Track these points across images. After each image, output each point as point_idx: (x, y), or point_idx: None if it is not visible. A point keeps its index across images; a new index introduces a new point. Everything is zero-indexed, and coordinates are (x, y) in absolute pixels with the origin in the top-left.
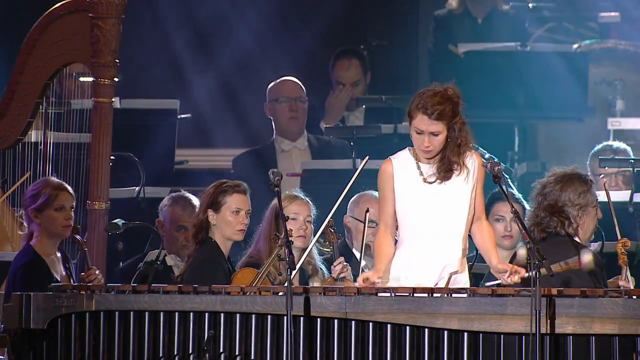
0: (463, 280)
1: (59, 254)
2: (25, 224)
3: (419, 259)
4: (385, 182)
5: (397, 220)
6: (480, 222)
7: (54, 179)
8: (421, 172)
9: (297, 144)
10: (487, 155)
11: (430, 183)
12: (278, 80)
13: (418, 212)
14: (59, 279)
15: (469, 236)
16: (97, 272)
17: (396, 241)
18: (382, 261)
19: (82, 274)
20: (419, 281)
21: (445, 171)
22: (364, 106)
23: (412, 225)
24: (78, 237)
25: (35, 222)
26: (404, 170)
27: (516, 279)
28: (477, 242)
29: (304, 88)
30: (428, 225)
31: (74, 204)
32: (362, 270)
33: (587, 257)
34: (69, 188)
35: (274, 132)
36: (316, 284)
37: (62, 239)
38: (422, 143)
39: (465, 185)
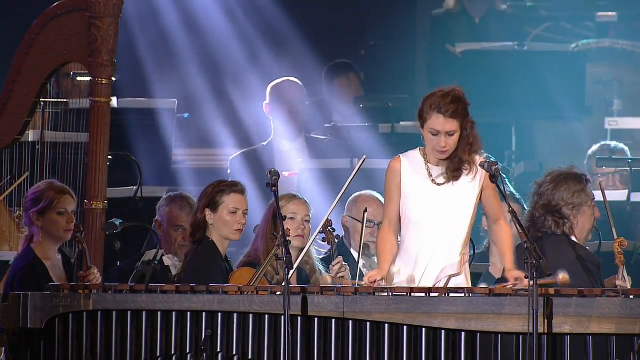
0: (461, 282)
1: (59, 256)
2: (24, 226)
3: (418, 259)
4: (392, 178)
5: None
6: (498, 224)
7: (56, 182)
8: (430, 173)
9: (296, 144)
10: (484, 155)
11: (439, 185)
12: (279, 81)
13: (424, 213)
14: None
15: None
16: (96, 271)
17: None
18: (386, 259)
19: (81, 272)
20: (416, 281)
21: (454, 170)
22: (361, 106)
23: (416, 226)
24: (79, 234)
25: (37, 225)
26: (412, 170)
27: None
28: (496, 244)
29: (304, 89)
30: (432, 227)
31: (75, 206)
32: (361, 270)
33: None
34: (71, 191)
35: (272, 132)
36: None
37: (63, 242)
38: (439, 144)
39: (472, 186)
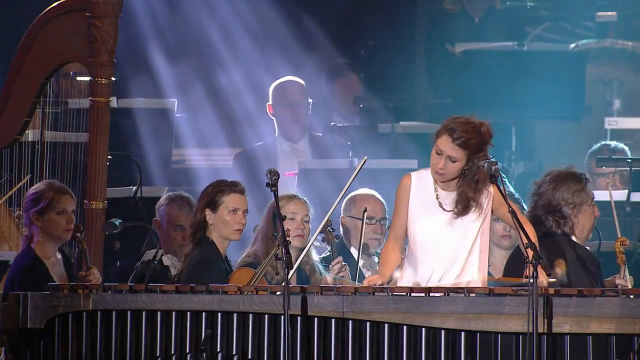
0: None
1: (59, 256)
2: (24, 226)
3: (422, 280)
4: (401, 196)
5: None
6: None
7: (56, 182)
8: (438, 195)
9: (298, 145)
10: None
11: (446, 210)
12: (281, 81)
13: (429, 236)
14: (58, 282)
15: None
16: (96, 271)
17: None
18: (388, 267)
19: (81, 272)
20: None
21: (463, 208)
22: (361, 106)
23: (420, 248)
24: (78, 234)
25: (37, 224)
26: (421, 190)
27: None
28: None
29: (306, 89)
30: (437, 250)
31: (75, 206)
32: (361, 269)
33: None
34: (71, 191)
35: (276, 131)
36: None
37: (63, 242)
38: (437, 164)
39: (477, 220)
